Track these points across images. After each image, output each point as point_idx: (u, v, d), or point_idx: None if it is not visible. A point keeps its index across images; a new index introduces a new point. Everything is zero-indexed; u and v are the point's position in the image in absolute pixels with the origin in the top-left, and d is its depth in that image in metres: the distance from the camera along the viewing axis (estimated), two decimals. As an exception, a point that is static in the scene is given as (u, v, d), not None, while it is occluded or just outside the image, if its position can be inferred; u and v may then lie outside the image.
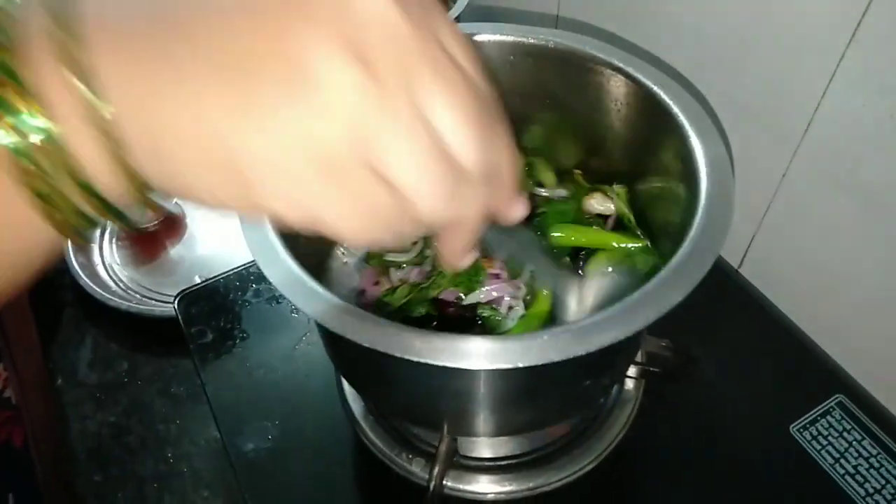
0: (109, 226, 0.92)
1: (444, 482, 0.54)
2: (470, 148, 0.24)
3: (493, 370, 0.37)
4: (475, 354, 0.35)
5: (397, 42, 0.22)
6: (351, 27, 0.21)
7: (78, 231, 0.24)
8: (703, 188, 0.45)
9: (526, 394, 0.46)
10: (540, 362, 0.34)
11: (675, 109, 0.51)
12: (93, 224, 0.24)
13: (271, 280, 0.38)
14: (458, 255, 0.29)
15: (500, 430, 0.51)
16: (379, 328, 0.35)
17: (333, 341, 0.49)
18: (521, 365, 0.34)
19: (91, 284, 0.83)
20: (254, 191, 0.23)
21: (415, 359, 0.34)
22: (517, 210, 0.29)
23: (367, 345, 0.34)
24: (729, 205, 0.44)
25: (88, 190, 0.23)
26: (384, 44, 0.22)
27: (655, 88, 0.53)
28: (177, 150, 0.22)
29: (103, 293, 0.82)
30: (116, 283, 0.86)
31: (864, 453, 0.59)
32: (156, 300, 0.84)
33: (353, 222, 0.23)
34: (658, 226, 0.56)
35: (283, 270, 0.38)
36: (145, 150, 0.22)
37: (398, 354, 0.34)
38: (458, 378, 0.41)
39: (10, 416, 0.67)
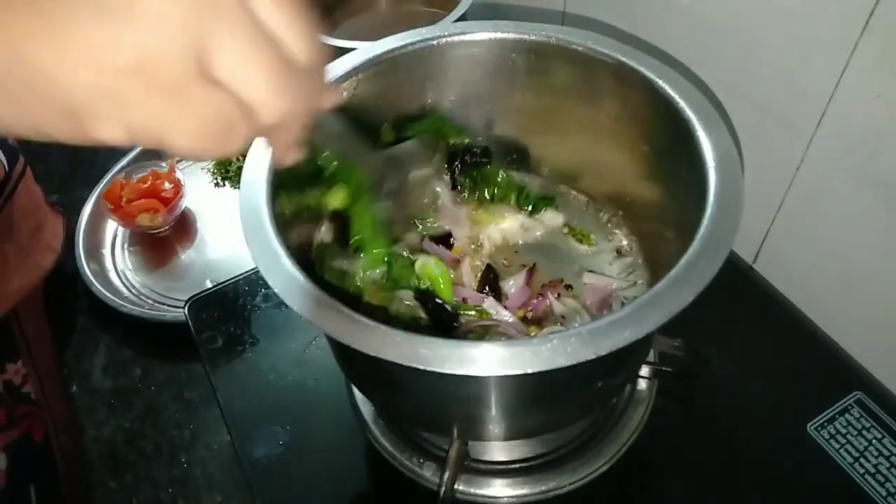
0: (121, 232, 0.93)
1: (456, 486, 0.53)
2: (300, 42, 0.24)
3: (501, 376, 0.36)
4: (483, 361, 0.34)
5: None
6: None
7: None
8: (712, 185, 0.44)
9: (536, 398, 0.45)
10: (549, 367, 0.34)
11: (681, 104, 0.51)
12: None
13: (276, 290, 0.37)
14: (283, 152, 0.29)
15: (511, 434, 0.51)
16: (385, 336, 0.35)
17: (341, 349, 0.49)
18: (530, 371, 0.34)
19: (103, 291, 0.84)
20: (81, 119, 0.21)
21: (422, 367, 0.33)
22: (331, 98, 0.30)
23: (373, 354, 0.34)
24: (738, 201, 0.43)
25: None
26: None
27: (660, 83, 0.52)
28: None
29: (115, 299, 0.83)
30: (129, 289, 0.86)
31: (885, 452, 0.57)
32: (168, 305, 0.84)
33: (194, 134, 0.23)
34: (667, 224, 0.55)
35: (288, 279, 0.38)
36: None
37: (405, 363, 0.33)
38: (467, 384, 0.41)
39: (30, 410, 0.67)
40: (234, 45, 0.22)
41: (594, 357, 0.35)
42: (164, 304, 0.84)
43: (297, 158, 0.31)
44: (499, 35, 0.60)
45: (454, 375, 0.34)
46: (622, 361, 0.47)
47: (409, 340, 0.35)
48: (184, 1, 0.21)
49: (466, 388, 0.42)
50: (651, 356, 0.61)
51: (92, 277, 0.85)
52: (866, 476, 0.56)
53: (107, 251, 0.91)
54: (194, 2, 0.21)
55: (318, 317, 0.36)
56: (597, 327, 0.36)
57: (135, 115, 0.22)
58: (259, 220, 0.43)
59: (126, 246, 0.92)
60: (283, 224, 0.44)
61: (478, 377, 0.37)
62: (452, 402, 0.46)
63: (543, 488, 0.57)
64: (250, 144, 0.33)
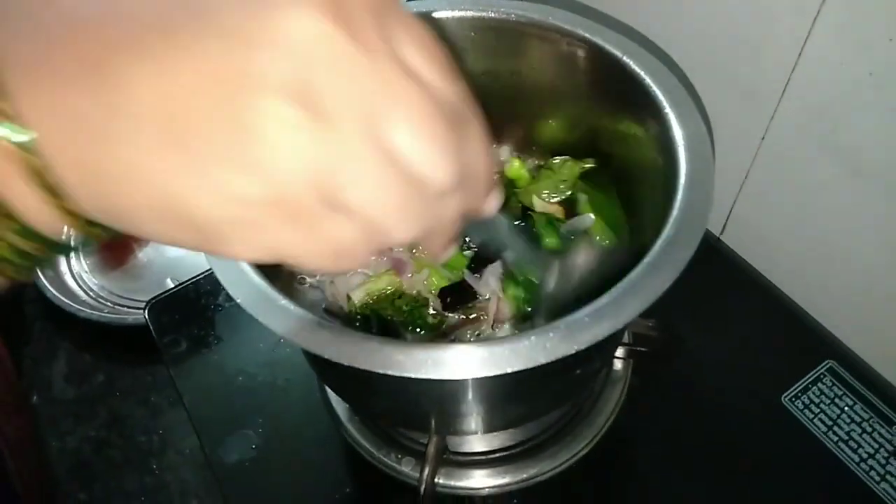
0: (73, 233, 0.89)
1: (437, 480, 0.53)
2: (436, 165, 0.23)
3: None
4: (460, 363, 0.33)
5: (342, 70, 0.21)
6: (290, 66, 0.20)
7: (17, 268, 0.23)
8: (682, 165, 0.43)
9: (515, 392, 0.44)
10: (528, 366, 0.33)
11: (648, 80, 0.49)
12: (32, 260, 0.23)
13: (238, 300, 0.35)
14: (437, 254, 0.29)
15: (489, 427, 0.50)
16: (357, 344, 0.33)
17: (311, 354, 0.47)
18: (509, 370, 0.33)
19: (59, 296, 0.80)
20: (212, 241, 0.22)
21: (398, 374, 0.32)
22: (492, 205, 0.29)
23: (346, 363, 0.32)
24: (709, 182, 0.42)
25: (23, 227, 0.22)
26: (328, 76, 0.20)
27: (625, 59, 0.51)
28: (120, 196, 0.21)
29: (73, 304, 0.80)
30: (86, 293, 0.83)
31: (857, 418, 0.58)
32: (128, 307, 0.81)
33: (319, 257, 0.23)
34: (637, 205, 0.54)
35: (250, 288, 0.36)
36: (81, 187, 0.21)
37: (380, 371, 0.32)
38: (445, 386, 0.40)
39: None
40: (362, 176, 0.21)
41: (574, 352, 0.34)
42: (124, 306, 0.81)
43: (449, 257, 0.31)
44: (457, 13, 0.58)
45: (432, 379, 0.33)
46: (600, 349, 0.47)
47: (382, 347, 0.33)
48: (312, 134, 0.20)
49: (444, 389, 0.41)
50: (626, 337, 0.61)
51: (46, 282, 0.81)
52: (840, 443, 0.57)
53: (60, 254, 0.87)
54: (315, 138, 0.20)
55: (287, 328, 0.34)
56: (575, 320, 0.35)
57: (264, 242, 0.22)
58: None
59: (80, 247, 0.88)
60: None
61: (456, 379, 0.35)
62: (430, 401, 0.45)
63: (525, 476, 0.56)
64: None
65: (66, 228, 0.23)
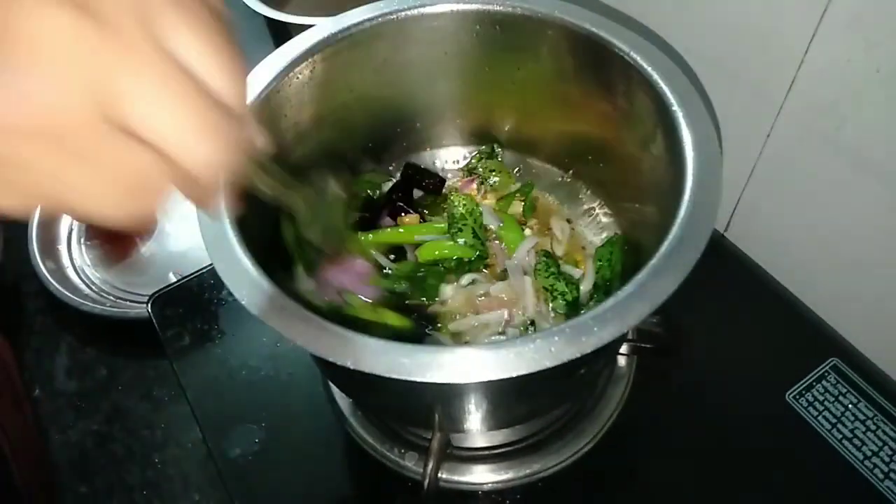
0: (77, 226, 0.89)
1: (440, 475, 0.53)
2: (227, 79, 0.20)
3: (483, 378, 0.35)
4: (465, 367, 0.33)
5: None
6: None
7: None
8: (690, 165, 0.43)
9: (519, 392, 0.44)
10: (535, 369, 0.33)
11: (656, 77, 0.49)
12: None
13: (242, 301, 0.35)
14: (209, 199, 0.24)
15: (494, 426, 0.50)
16: (362, 346, 0.33)
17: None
18: (514, 375, 0.32)
19: (61, 289, 0.80)
20: None
21: (403, 378, 0.32)
22: (261, 139, 0.27)
23: (351, 366, 0.32)
24: (717, 182, 0.42)
25: None
26: None
27: (633, 55, 0.51)
28: None
29: (75, 297, 0.79)
30: (88, 286, 0.83)
31: (861, 416, 0.58)
32: (131, 301, 0.81)
33: (108, 197, 0.19)
34: (645, 204, 0.54)
35: (253, 288, 0.36)
36: None
37: (385, 374, 0.32)
38: (449, 387, 0.39)
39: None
40: (147, 89, 0.18)
41: (580, 355, 0.33)
42: (126, 300, 0.81)
43: (216, 206, 0.27)
44: (461, 6, 0.57)
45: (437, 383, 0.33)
46: (605, 350, 0.46)
47: (386, 349, 0.33)
48: (82, 44, 0.17)
49: (449, 390, 0.41)
50: (630, 333, 0.60)
51: (48, 275, 0.81)
52: (843, 441, 0.57)
53: (63, 247, 0.87)
54: (96, 45, 0.17)
55: (292, 329, 0.34)
56: (580, 323, 0.35)
57: (35, 184, 0.19)
58: (221, 228, 0.40)
59: (83, 240, 0.88)
60: (246, 229, 0.41)
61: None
62: (434, 401, 0.45)
63: (528, 471, 0.57)
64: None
65: None
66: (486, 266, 0.61)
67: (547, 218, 0.65)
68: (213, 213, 0.26)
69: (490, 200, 0.66)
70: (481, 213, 0.62)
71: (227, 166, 0.22)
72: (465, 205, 0.61)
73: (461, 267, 0.60)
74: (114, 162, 0.19)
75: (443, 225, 0.61)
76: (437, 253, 0.60)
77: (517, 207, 0.65)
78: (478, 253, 0.60)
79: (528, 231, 0.64)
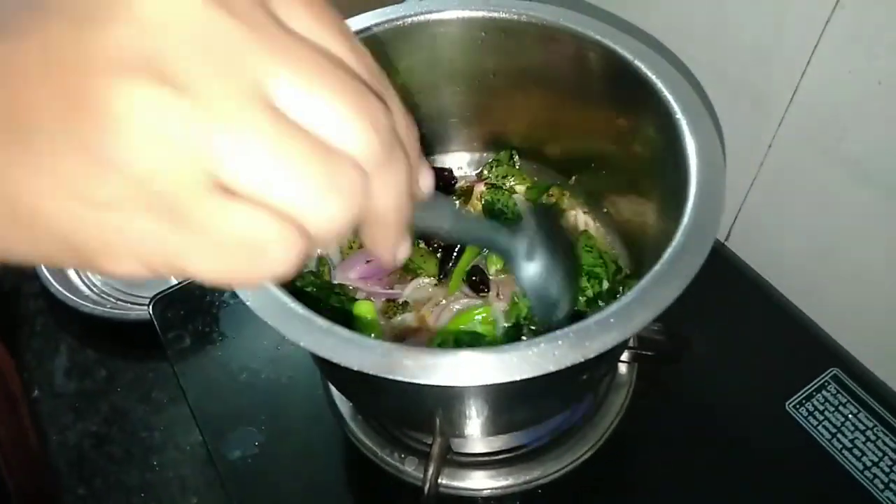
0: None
1: (440, 480, 0.52)
2: (351, 126, 0.19)
3: (487, 381, 0.35)
4: (469, 369, 0.33)
5: (203, 34, 0.17)
6: (141, 40, 0.17)
7: None
8: (693, 173, 0.43)
9: (522, 396, 0.44)
10: (538, 373, 0.33)
11: (659, 85, 0.49)
12: None
13: (247, 302, 0.35)
14: (389, 249, 0.24)
15: (495, 431, 0.50)
16: (365, 348, 0.33)
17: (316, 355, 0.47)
18: (518, 378, 0.33)
19: (62, 290, 0.80)
20: (84, 254, 0.19)
21: (406, 380, 0.32)
22: (427, 182, 0.26)
23: (356, 368, 0.32)
24: (720, 192, 0.42)
25: None
26: (185, 44, 0.17)
27: (636, 62, 0.51)
28: None
29: (76, 299, 0.79)
30: (89, 288, 0.83)
31: (861, 426, 0.58)
32: (131, 303, 0.81)
33: (223, 262, 0.19)
34: (647, 211, 0.54)
35: (259, 292, 0.36)
36: None
37: (388, 377, 0.32)
38: (451, 391, 0.40)
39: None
40: (248, 146, 0.18)
41: (583, 360, 0.34)
42: (127, 301, 0.81)
43: (406, 255, 0.25)
44: (467, 13, 0.58)
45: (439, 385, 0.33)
46: (608, 355, 0.47)
47: (389, 351, 0.33)
48: (170, 114, 0.17)
49: (451, 394, 0.41)
50: (631, 341, 0.60)
51: (50, 277, 0.81)
52: (843, 451, 0.57)
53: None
54: (185, 113, 0.17)
55: (295, 331, 0.34)
56: (584, 328, 0.35)
57: (142, 250, 0.18)
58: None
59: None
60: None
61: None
62: (436, 404, 0.45)
63: (527, 478, 0.57)
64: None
65: None
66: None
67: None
68: (398, 263, 0.26)
69: (521, 188, 0.67)
70: (516, 203, 0.63)
71: (388, 212, 0.22)
72: (499, 199, 0.62)
73: None
74: (220, 226, 0.18)
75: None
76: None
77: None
78: None
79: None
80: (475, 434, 0.49)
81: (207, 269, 0.19)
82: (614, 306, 0.36)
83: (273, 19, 0.19)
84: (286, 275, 0.20)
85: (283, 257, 0.19)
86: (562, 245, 0.47)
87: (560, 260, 0.45)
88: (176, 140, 0.17)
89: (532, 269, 0.43)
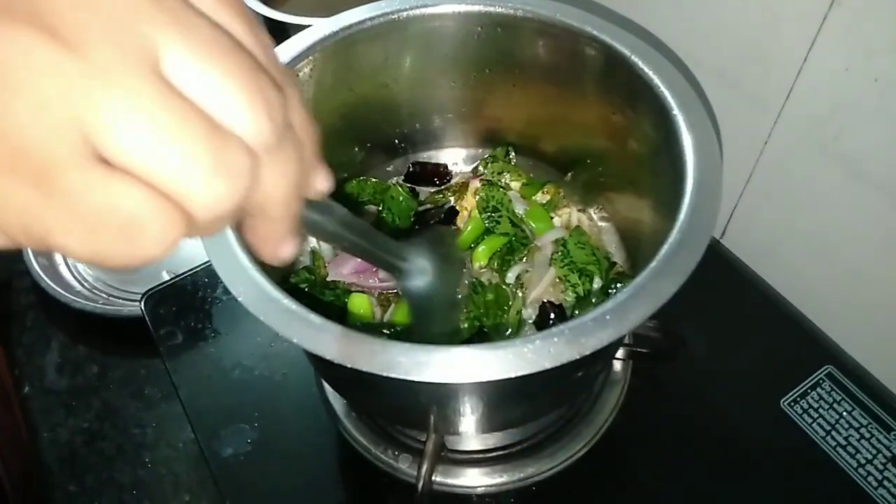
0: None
1: (434, 478, 0.52)
2: (242, 106, 0.18)
3: (482, 378, 0.35)
4: (464, 366, 0.33)
5: None
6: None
7: None
8: (690, 168, 0.43)
9: (517, 393, 0.44)
10: (534, 370, 0.33)
11: (656, 80, 0.49)
12: None
13: (239, 298, 0.35)
14: (271, 244, 0.23)
15: (489, 428, 0.50)
16: (359, 344, 0.33)
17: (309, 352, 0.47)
18: (513, 375, 0.32)
19: (54, 286, 0.79)
20: None
21: (400, 377, 0.32)
22: (322, 180, 0.25)
23: (349, 365, 0.32)
24: (717, 187, 0.42)
25: None
26: (85, 2, 0.16)
27: (634, 58, 0.51)
28: None
29: (67, 294, 0.79)
30: (81, 284, 0.82)
31: (855, 424, 0.58)
32: (123, 299, 0.81)
33: (95, 236, 0.17)
34: (642, 208, 0.54)
35: (251, 285, 0.36)
36: None
37: (383, 373, 0.31)
38: (446, 388, 0.39)
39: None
40: (132, 119, 0.16)
41: (578, 357, 0.33)
42: (118, 297, 0.81)
43: (291, 254, 0.24)
44: (464, 7, 0.57)
45: (434, 382, 0.33)
46: (603, 352, 0.46)
47: (384, 348, 0.33)
48: (57, 73, 0.16)
49: (445, 391, 0.41)
50: (627, 338, 0.60)
51: (41, 272, 0.80)
52: (838, 448, 0.57)
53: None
54: (72, 74, 0.16)
55: (289, 327, 0.34)
56: (580, 324, 0.35)
57: (10, 218, 0.17)
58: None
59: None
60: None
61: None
62: (430, 401, 0.44)
63: (522, 475, 0.56)
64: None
65: None
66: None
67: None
68: (276, 262, 0.24)
69: (516, 184, 0.67)
70: (511, 201, 0.63)
71: (276, 202, 0.21)
72: (493, 196, 0.62)
73: (510, 254, 0.61)
74: (97, 197, 0.17)
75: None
76: (492, 249, 0.61)
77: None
78: (523, 239, 0.61)
79: (556, 220, 0.64)
80: (469, 431, 0.49)
81: (74, 243, 0.17)
82: (610, 303, 0.36)
83: None
84: (160, 256, 0.18)
85: (160, 238, 0.18)
86: (451, 272, 0.48)
87: (445, 286, 0.45)
88: (56, 98, 0.16)
89: (416, 289, 0.43)
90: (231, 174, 0.18)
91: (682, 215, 0.40)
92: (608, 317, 0.35)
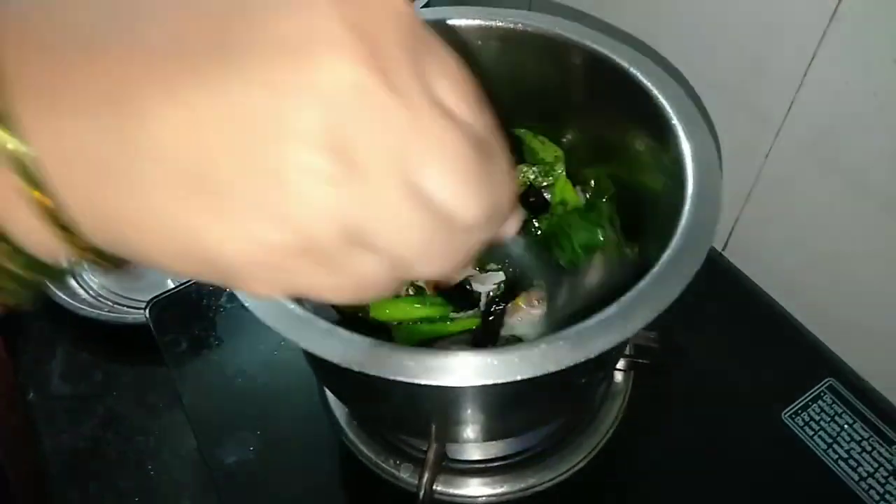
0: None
1: (434, 487, 0.52)
2: (468, 203, 0.22)
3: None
4: (470, 370, 0.33)
5: (376, 119, 0.20)
6: (321, 115, 0.19)
7: (15, 294, 0.22)
8: (690, 176, 0.43)
9: (519, 400, 0.44)
10: (540, 373, 0.33)
11: (655, 91, 0.49)
12: (32, 286, 0.22)
13: (246, 303, 0.35)
14: (453, 278, 0.30)
15: (492, 435, 0.50)
16: (365, 349, 0.33)
17: (314, 358, 0.47)
18: (519, 378, 0.33)
19: (59, 294, 0.80)
20: (230, 278, 0.22)
21: (409, 380, 0.32)
22: (512, 228, 0.29)
23: (356, 368, 0.32)
24: (717, 193, 0.42)
25: (26, 258, 0.21)
26: (360, 125, 0.19)
27: (632, 70, 0.51)
28: (140, 238, 0.20)
29: (73, 302, 0.79)
30: (86, 291, 0.83)
31: (856, 437, 0.58)
32: (128, 307, 0.81)
33: (342, 292, 0.23)
34: (644, 215, 0.55)
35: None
36: (96, 229, 0.20)
37: (390, 377, 0.32)
38: (450, 392, 0.40)
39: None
40: (392, 221, 0.21)
41: (584, 360, 0.34)
42: (123, 305, 0.81)
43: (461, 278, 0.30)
44: (463, 22, 0.58)
45: (439, 385, 0.33)
46: (606, 358, 0.47)
47: (391, 352, 0.33)
48: (342, 185, 0.20)
49: (448, 396, 0.41)
50: (628, 349, 0.61)
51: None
52: (839, 462, 0.57)
53: (61, 251, 0.87)
54: (345, 187, 0.20)
55: (295, 332, 0.34)
56: (585, 328, 0.35)
57: (286, 282, 0.22)
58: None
59: (81, 245, 0.88)
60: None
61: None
62: (433, 408, 0.45)
63: (523, 486, 0.56)
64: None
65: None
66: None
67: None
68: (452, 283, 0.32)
69: None
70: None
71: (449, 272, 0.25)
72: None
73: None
74: (350, 269, 0.22)
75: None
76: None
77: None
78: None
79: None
80: (471, 439, 0.49)
81: (328, 295, 0.23)
82: (613, 308, 0.36)
83: (430, 99, 0.21)
84: (373, 298, 0.24)
85: (385, 292, 0.24)
86: None
87: None
88: (338, 206, 0.20)
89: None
90: (451, 261, 0.23)
91: (683, 220, 0.41)
92: (611, 321, 0.36)
